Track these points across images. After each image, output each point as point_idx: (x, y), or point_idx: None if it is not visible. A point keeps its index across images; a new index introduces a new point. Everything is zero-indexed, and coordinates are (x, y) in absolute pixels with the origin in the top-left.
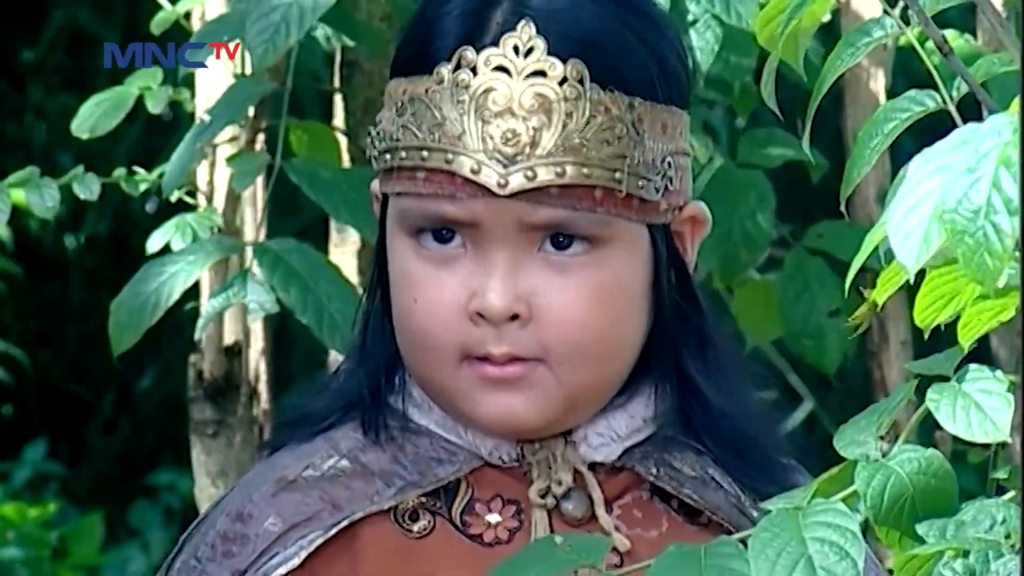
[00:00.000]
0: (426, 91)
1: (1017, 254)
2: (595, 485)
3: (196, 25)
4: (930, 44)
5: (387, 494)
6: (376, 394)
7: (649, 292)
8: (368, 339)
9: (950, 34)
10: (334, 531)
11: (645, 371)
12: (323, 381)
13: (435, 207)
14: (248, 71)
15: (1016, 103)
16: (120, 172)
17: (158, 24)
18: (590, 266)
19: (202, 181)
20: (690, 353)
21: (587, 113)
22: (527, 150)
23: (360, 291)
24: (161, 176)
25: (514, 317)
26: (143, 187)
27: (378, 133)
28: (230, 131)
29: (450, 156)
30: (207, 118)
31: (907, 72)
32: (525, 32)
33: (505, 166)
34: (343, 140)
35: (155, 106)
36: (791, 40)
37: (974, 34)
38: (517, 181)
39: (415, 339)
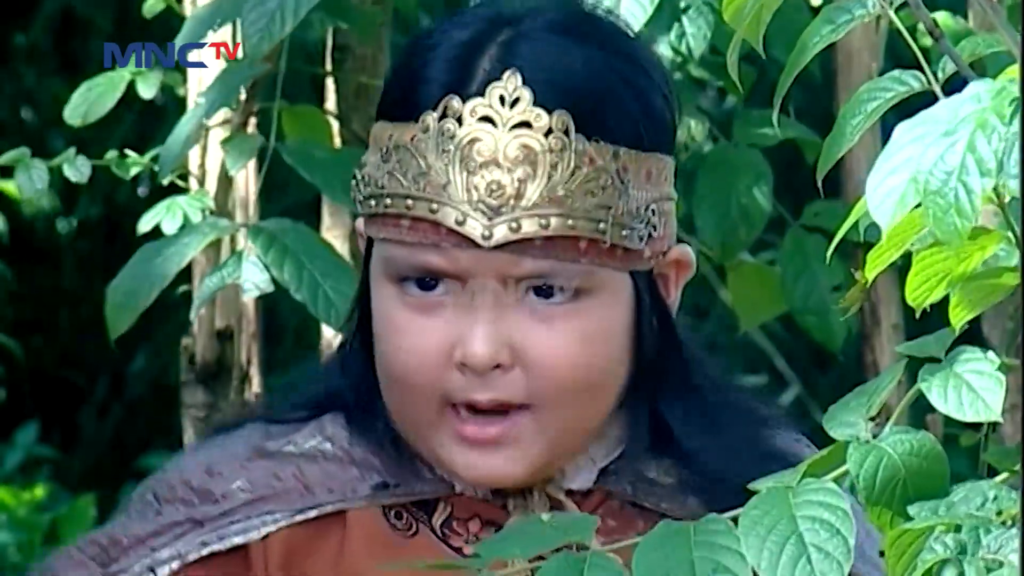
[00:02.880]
0: (412, 139)
1: (1010, 234)
2: (575, 509)
3: (188, 10)
4: (922, 26)
5: (362, 491)
6: (363, 394)
7: (632, 335)
8: (350, 361)
9: (940, 16)
10: (300, 518)
11: (623, 410)
12: (311, 371)
13: (420, 257)
14: (240, 55)
15: (1007, 72)
16: (112, 155)
17: (150, 8)
18: (573, 314)
19: (194, 165)
20: (669, 397)
21: (572, 164)
22: (511, 202)
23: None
24: (154, 160)
25: (497, 366)
26: (134, 170)
27: (363, 177)
28: (222, 114)
29: (435, 206)
30: (201, 101)
31: (901, 53)
32: (511, 82)
33: (490, 218)
34: (335, 124)
35: (147, 90)
36: (754, 18)
37: (965, 16)
38: (501, 233)
39: (397, 385)
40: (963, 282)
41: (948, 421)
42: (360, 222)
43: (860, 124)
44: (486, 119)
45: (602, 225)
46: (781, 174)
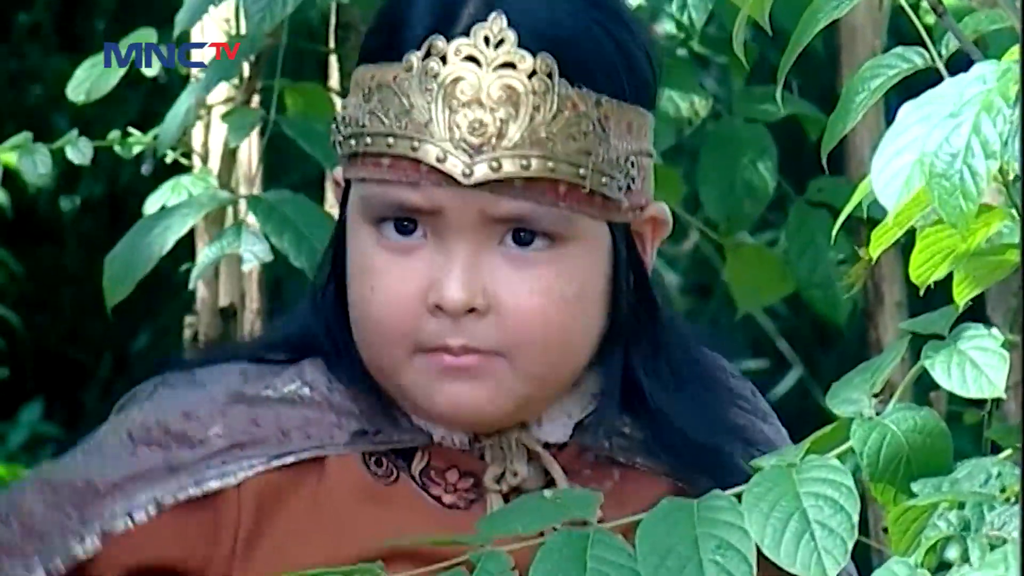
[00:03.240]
0: (394, 78)
1: (1014, 212)
2: (553, 463)
3: None
4: (925, 3)
5: (340, 438)
6: (341, 340)
7: (607, 292)
8: (320, 313)
9: None
10: (276, 463)
11: (596, 365)
12: (291, 316)
13: (398, 194)
14: (243, 32)
15: (1011, 52)
16: (114, 135)
17: None
18: (550, 262)
19: (197, 144)
20: (640, 354)
21: (554, 107)
22: (493, 141)
23: None
24: (156, 139)
25: (472, 310)
26: (137, 149)
27: (343, 118)
28: (225, 92)
29: (416, 143)
30: (201, 76)
31: (899, 31)
32: (496, 24)
33: (471, 156)
34: (338, 102)
35: (151, 69)
36: None
37: None
38: (482, 171)
39: (370, 328)
40: (967, 260)
41: (952, 398)
42: (338, 170)
43: (864, 101)
44: (470, 59)
45: (582, 170)
46: (784, 150)
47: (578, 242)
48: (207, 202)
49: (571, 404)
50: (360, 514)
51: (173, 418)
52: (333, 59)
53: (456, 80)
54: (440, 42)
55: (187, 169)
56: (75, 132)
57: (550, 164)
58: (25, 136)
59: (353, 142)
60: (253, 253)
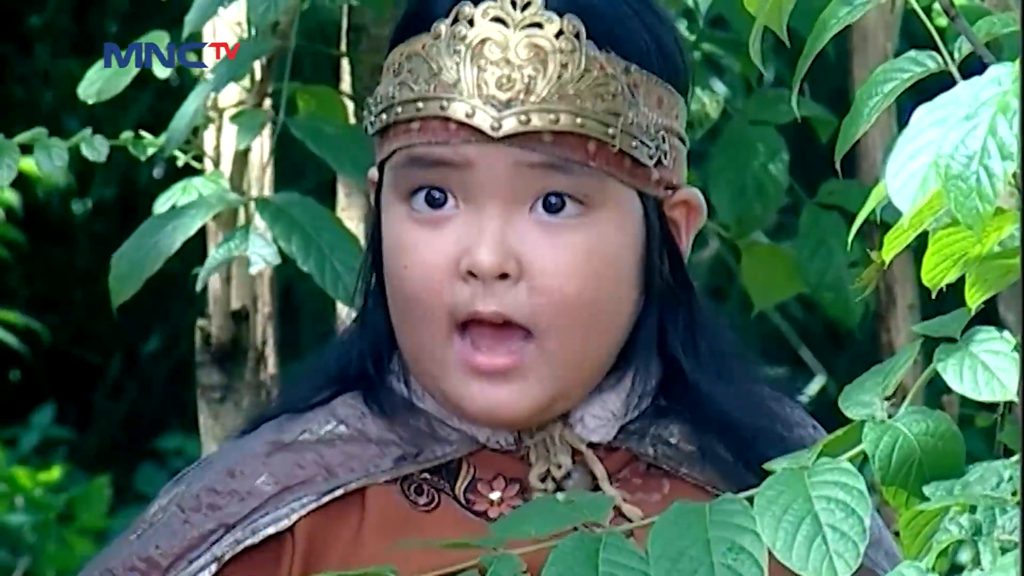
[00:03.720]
0: (423, 47)
1: (1018, 213)
2: (596, 461)
3: None
4: (937, 5)
5: (384, 465)
6: (377, 367)
7: (641, 267)
8: (365, 323)
9: None
10: (327, 499)
11: (634, 352)
12: (319, 356)
13: (428, 150)
14: (253, 34)
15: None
16: (127, 135)
17: None
18: (581, 229)
19: (209, 147)
20: (677, 336)
21: (582, 67)
22: (521, 96)
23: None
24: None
25: (504, 276)
26: (150, 151)
27: (375, 99)
28: (237, 95)
29: (445, 103)
30: (211, 77)
31: (916, 32)
32: None
33: (499, 110)
34: (350, 105)
35: (163, 70)
36: (775, 5)
37: None
38: (510, 124)
39: (406, 304)
40: (979, 262)
41: (964, 401)
42: (372, 171)
43: (877, 105)
44: (497, 20)
45: (611, 130)
46: (795, 152)
47: (609, 210)
48: (216, 203)
49: (612, 401)
50: (399, 539)
51: (218, 479)
52: (345, 62)
53: (484, 40)
54: (467, 7)
55: (199, 172)
56: (89, 130)
57: (578, 120)
58: (40, 131)
59: (384, 115)
60: (261, 256)
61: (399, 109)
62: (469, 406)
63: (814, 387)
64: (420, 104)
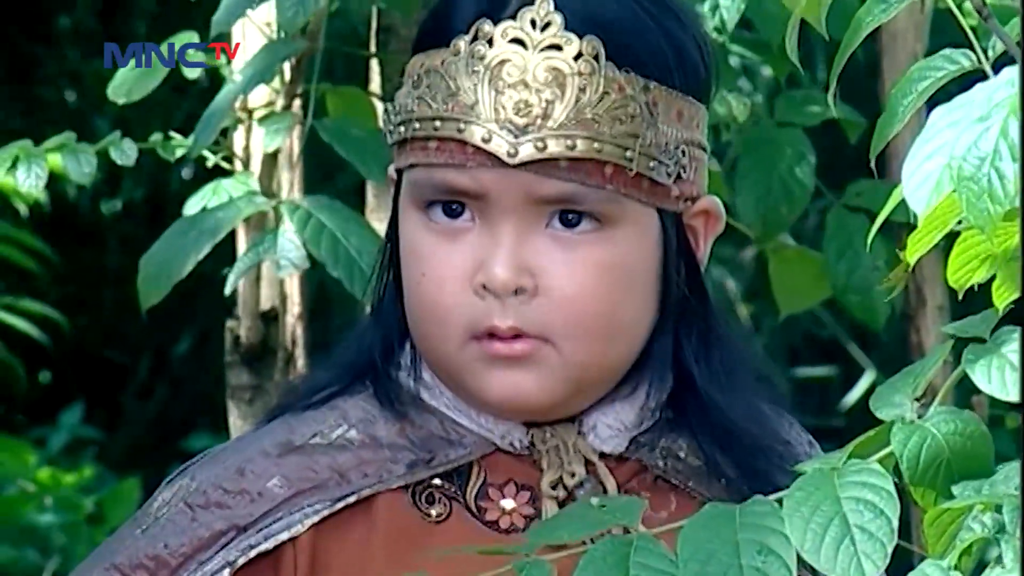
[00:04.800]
0: (442, 63)
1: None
2: (608, 475)
3: None
4: (968, 5)
5: (396, 471)
6: (387, 366)
7: (658, 280)
8: (379, 315)
9: None
10: (340, 505)
11: (649, 363)
12: (335, 348)
13: (444, 176)
14: (282, 35)
15: None
16: (156, 137)
17: None
18: (597, 244)
19: (239, 148)
20: (692, 347)
21: (600, 89)
22: (539, 121)
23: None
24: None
25: (519, 291)
26: (179, 152)
27: (394, 108)
28: (266, 97)
29: (462, 125)
30: (238, 78)
31: (946, 32)
32: (543, 7)
33: (516, 136)
34: (379, 106)
35: (192, 72)
36: (814, 1)
37: None
38: (527, 151)
39: (423, 313)
40: (1006, 263)
41: (994, 402)
42: (391, 169)
43: (911, 104)
44: (516, 41)
45: (629, 152)
46: (822, 154)
47: (626, 226)
48: (245, 207)
49: (626, 412)
50: (409, 552)
51: (227, 476)
52: (374, 63)
53: (502, 62)
54: (487, 25)
55: (229, 173)
56: (118, 133)
57: (596, 145)
58: (68, 135)
59: (403, 128)
60: (289, 260)
61: (417, 125)
62: (489, 393)
63: (864, 383)
64: (438, 123)
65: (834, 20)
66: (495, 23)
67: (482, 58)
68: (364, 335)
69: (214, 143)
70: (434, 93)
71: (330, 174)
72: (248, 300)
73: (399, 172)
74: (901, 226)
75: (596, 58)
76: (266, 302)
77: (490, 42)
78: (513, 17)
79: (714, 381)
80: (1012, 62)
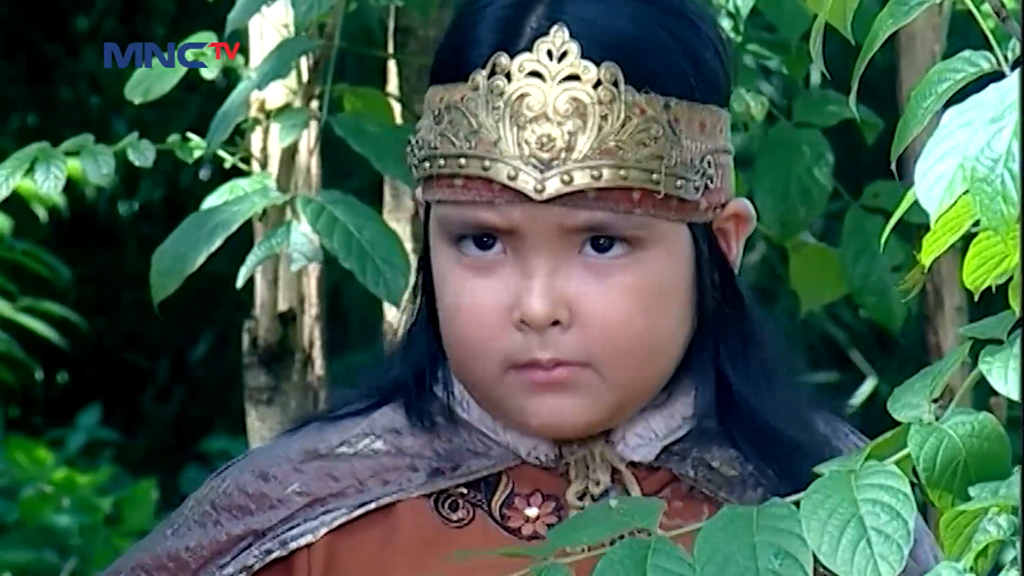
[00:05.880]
0: (462, 98)
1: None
2: (634, 483)
3: None
4: (986, 7)
5: (417, 480)
6: (419, 382)
7: (692, 290)
8: (413, 337)
9: None
10: (356, 513)
11: (686, 369)
12: (370, 366)
13: (473, 214)
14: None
15: None
16: (174, 139)
17: None
18: (630, 268)
19: (256, 148)
20: (730, 352)
21: (622, 115)
22: (563, 154)
23: (412, 255)
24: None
25: (556, 323)
26: (197, 153)
27: (417, 141)
28: (284, 97)
29: (487, 163)
30: (253, 76)
31: (963, 34)
32: (558, 36)
33: (541, 171)
34: (397, 106)
35: (209, 71)
36: (839, 3)
37: None
38: (554, 186)
39: (461, 345)
40: (1021, 264)
41: (1012, 403)
42: (417, 191)
43: (932, 105)
44: (534, 74)
45: (655, 176)
46: (839, 155)
47: (657, 246)
48: (258, 200)
49: (656, 422)
50: (430, 557)
51: (250, 480)
52: (392, 64)
53: (522, 96)
54: (503, 59)
55: (246, 174)
56: (135, 135)
57: (622, 172)
58: (85, 137)
59: (427, 164)
60: (302, 253)
61: (441, 162)
62: (531, 419)
63: (865, 389)
64: (462, 161)
65: (855, 22)
66: (511, 56)
67: (501, 93)
68: (397, 357)
69: (232, 144)
70: (456, 130)
71: (348, 175)
72: (266, 301)
73: (426, 203)
74: (918, 227)
75: (615, 84)
76: (284, 303)
77: (508, 76)
78: (529, 49)
79: (753, 386)
80: None
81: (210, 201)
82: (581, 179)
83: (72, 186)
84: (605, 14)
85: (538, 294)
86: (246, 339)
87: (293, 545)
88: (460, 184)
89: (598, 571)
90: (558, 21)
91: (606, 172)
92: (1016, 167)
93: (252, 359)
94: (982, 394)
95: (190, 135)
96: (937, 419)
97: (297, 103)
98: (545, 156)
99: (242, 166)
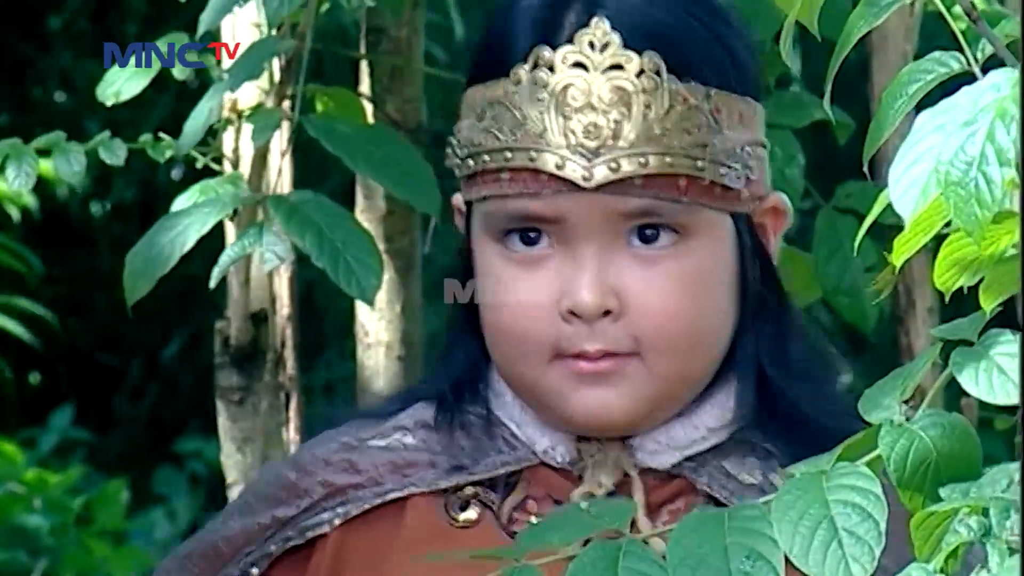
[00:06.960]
0: (504, 93)
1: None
2: (640, 490)
3: None
4: (956, 8)
5: (432, 476)
6: (458, 380)
7: (736, 283)
8: (455, 338)
9: None
10: (368, 505)
11: (724, 372)
12: (407, 387)
13: (521, 205)
14: (270, 32)
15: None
16: (146, 138)
17: None
18: (677, 258)
19: (228, 149)
20: (768, 346)
21: (666, 103)
22: (609, 142)
23: (384, 255)
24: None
25: (606, 313)
26: (169, 153)
27: (458, 142)
28: (256, 98)
29: (533, 154)
30: (226, 77)
31: (932, 36)
32: (599, 28)
33: (589, 159)
34: (369, 107)
35: (181, 72)
36: (807, 2)
37: (1001, 1)
38: (601, 173)
39: (507, 340)
40: (993, 265)
41: (983, 404)
42: (457, 197)
43: (902, 106)
44: (578, 65)
45: (700, 163)
46: (810, 155)
47: (702, 235)
48: (230, 201)
49: (676, 432)
50: (424, 554)
51: (286, 471)
52: (364, 64)
53: (566, 87)
54: (546, 52)
55: (218, 174)
56: (107, 133)
57: (668, 159)
58: (58, 135)
59: (471, 162)
60: (274, 252)
61: (487, 158)
62: (575, 411)
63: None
64: (508, 154)
65: (824, 19)
66: (554, 49)
67: (545, 85)
68: (440, 356)
69: (204, 144)
70: (500, 125)
71: (321, 176)
72: (238, 301)
73: (468, 204)
74: (891, 228)
75: (658, 73)
76: (256, 303)
77: (551, 68)
78: (571, 41)
79: (791, 379)
80: (1001, 65)
81: (180, 202)
82: (628, 166)
83: (44, 186)
84: (642, 6)
85: (588, 284)
86: (218, 339)
87: (310, 534)
88: (507, 177)
89: (570, 572)
90: (597, 13)
91: (652, 159)
92: (990, 170)
93: (224, 359)
94: (953, 395)
95: (162, 135)
96: (908, 420)
97: (269, 103)
98: (592, 144)
99: (214, 166)
